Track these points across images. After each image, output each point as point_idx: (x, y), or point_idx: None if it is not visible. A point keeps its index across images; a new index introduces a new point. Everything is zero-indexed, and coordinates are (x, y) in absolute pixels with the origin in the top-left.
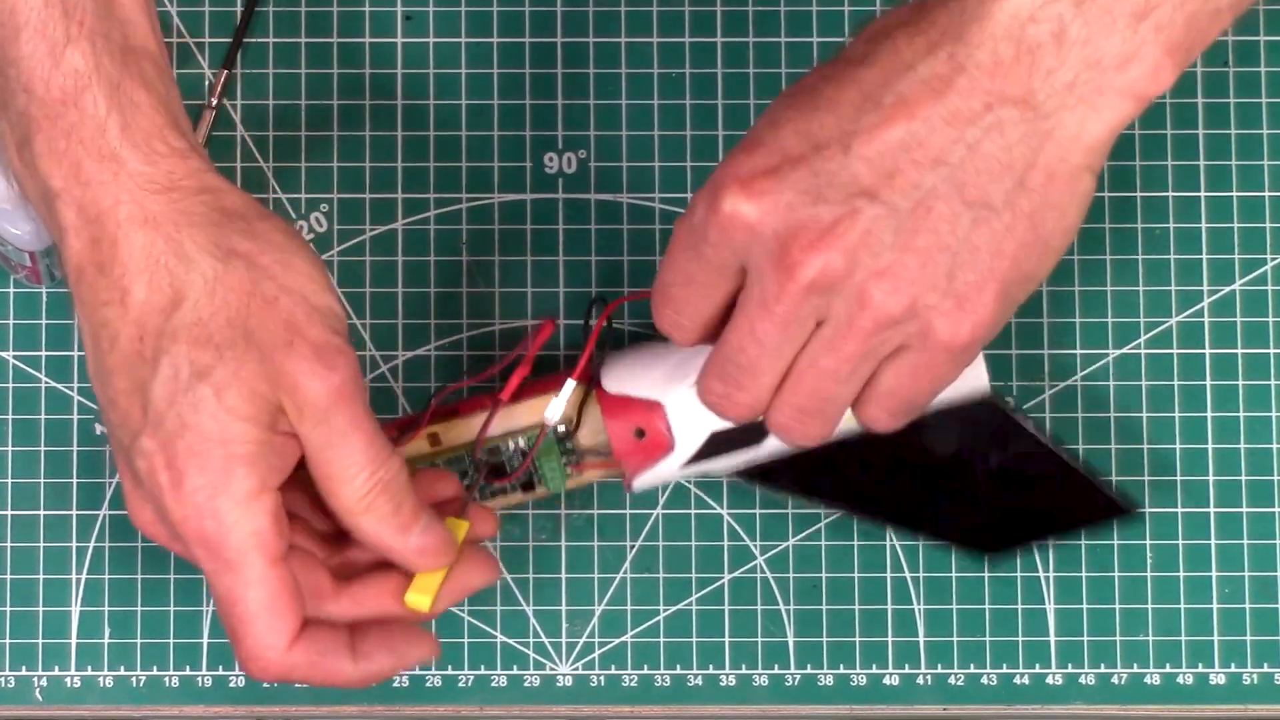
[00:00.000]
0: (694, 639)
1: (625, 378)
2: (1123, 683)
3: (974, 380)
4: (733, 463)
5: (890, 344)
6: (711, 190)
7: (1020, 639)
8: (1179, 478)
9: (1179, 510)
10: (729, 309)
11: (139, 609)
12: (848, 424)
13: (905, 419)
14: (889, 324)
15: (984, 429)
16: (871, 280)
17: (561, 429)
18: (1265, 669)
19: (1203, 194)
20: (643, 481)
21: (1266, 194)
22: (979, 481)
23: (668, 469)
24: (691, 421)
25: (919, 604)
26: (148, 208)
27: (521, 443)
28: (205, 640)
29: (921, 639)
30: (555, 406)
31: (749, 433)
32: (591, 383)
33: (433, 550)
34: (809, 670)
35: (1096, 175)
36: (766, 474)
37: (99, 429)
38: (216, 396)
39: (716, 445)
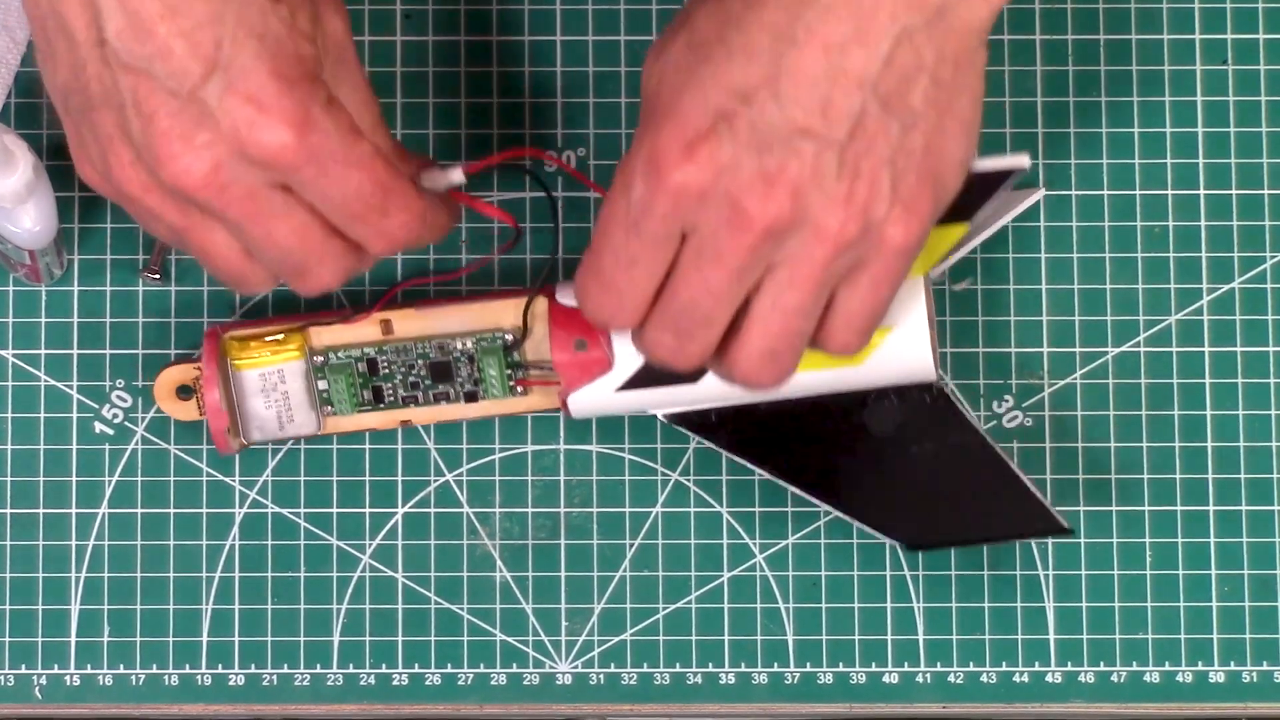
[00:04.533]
0: (693, 637)
1: None
2: (1122, 681)
3: (918, 362)
4: (668, 399)
5: (845, 266)
6: (650, 164)
7: (1020, 637)
8: (1178, 476)
9: (1178, 509)
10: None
11: (138, 607)
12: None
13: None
14: (846, 247)
15: (926, 414)
16: (824, 212)
17: (510, 339)
18: (1264, 667)
19: (1202, 192)
20: (579, 402)
21: (1266, 192)
22: (913, 468)
23: (603, 391)
24: (633, 344)
25: (918, 602)
26: None
27: (470, 345)
28: (205, 639)
29: (921, 637)
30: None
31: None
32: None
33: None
34: (808, 668)
35: (987, 41)
36: (704, 426)
37: (99, 428)
38: (292, 17)
39: (652, 376)
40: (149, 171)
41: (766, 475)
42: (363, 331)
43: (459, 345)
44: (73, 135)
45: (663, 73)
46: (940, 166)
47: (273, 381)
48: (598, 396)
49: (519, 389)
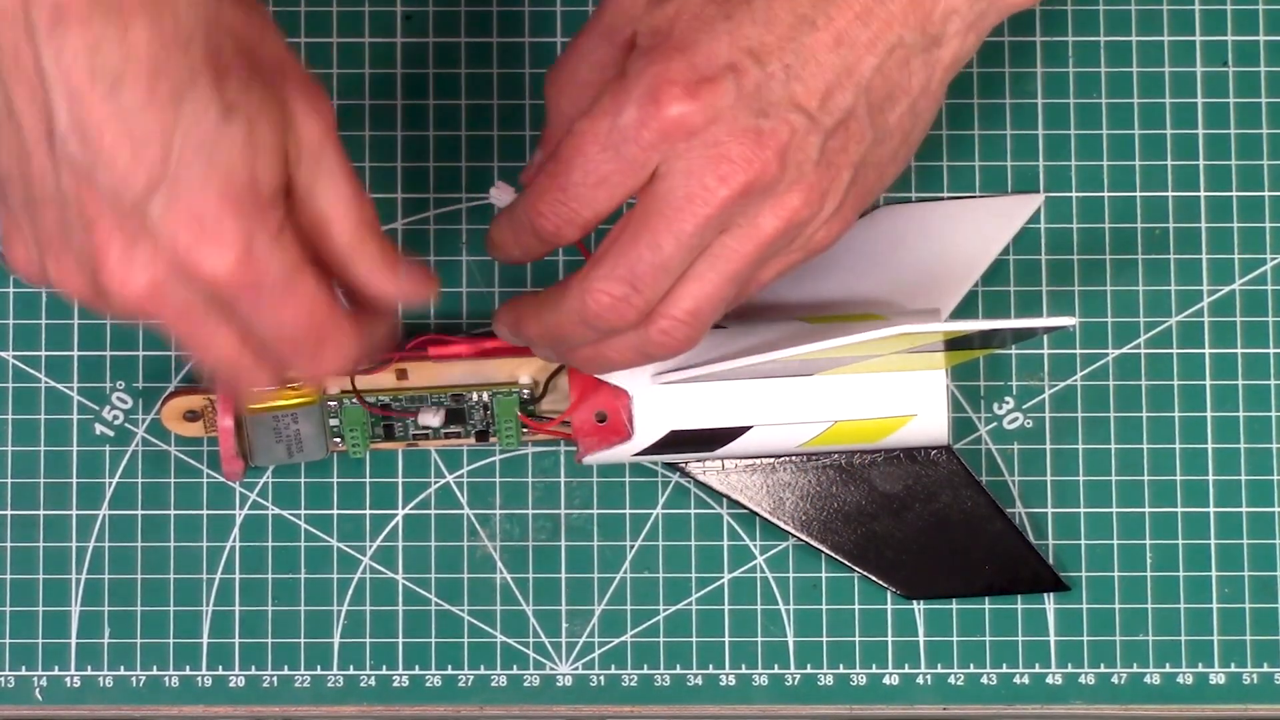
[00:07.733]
0: (694, 639)
1: None
2: (1122, 682)
3: (933, 435)
4: (684, 457)
5: (777, 249)
6: (650, 93)
7: (1020, 638)
8: (1179, 478)
9: (1179, 510)
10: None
11: (139, 609)
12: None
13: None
14: (794, 230)
15: (934, 474)
16: (792, 188)
17: (525, 394)
18: (1265, 669)
19: (1202, 194)
20: (595, 459)
21: (1266, 194)
22: (918, 524)
23: (620, 454)
24: (654, 417)
25: (919, 603)
26: None
27: (485, 397)
28: (205, 640)
29: (921, 638)
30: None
31: (706, 438)
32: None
33: (420, 284)
34: (809, 670)
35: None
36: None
37: (99, 430)
38: (249, 132)
39: (672, 443)
40: (89, 275)
41: (770, 520)
42: (377, 380)
43: (474, 396)
44: (6, 221)
45: (678, 14)
46: (878, 187)
47: (285, 422)
48: (614, 457)
49: (529, 441)
